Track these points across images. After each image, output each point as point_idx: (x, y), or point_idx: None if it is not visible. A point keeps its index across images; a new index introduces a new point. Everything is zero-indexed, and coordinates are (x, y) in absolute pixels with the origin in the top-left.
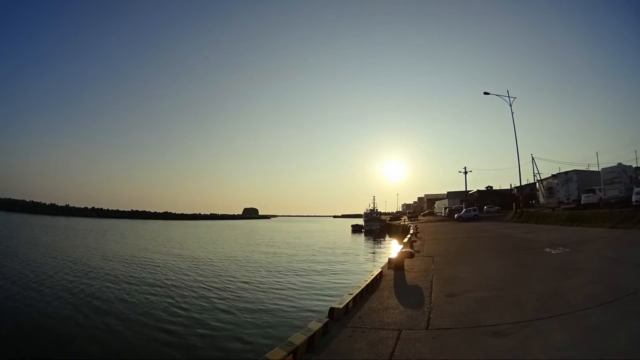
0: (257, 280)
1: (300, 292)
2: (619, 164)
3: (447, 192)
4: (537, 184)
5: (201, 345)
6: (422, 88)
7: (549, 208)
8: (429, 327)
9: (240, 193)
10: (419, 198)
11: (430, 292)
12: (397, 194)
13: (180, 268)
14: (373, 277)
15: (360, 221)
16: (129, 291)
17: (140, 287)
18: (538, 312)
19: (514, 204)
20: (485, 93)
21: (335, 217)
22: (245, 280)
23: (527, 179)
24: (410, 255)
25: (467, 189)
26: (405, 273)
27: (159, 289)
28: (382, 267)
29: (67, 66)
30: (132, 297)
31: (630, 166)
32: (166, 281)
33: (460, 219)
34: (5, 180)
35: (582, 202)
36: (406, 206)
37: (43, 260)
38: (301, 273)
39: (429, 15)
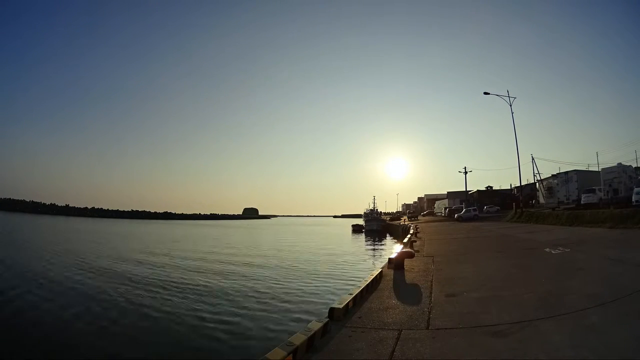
0: (257, 281)
1: (300, 292)
2: (619, 164)
3: (447, 192)
4: (537, 184)
5: (201, 345)
6: (422, 88)
7: (549, 208)
8: (429, 327)
9: (241, 193)
10: (419, 198)
11: (430, 292)
12: (397, 194)
13: (178, 269)
14: (373, 277)
15: (360, 221)
16: (129, 292)
17: (140, 287)
18: (538, 312)
19: (514, 204)
20: (485, 93)
21: (335, 217)
22: (245, 280)
23: (527, 179)
24: (410, 255)
25: (467, 189)
26: (405, 273)
27: (158, 290)
28: (382, 267)
29: (67, 68)
30: (134, 298)
31: (630, 166)
32: (164, 282)
33: (460, 219)
34: (5, 180)
35: (582, 202)
36: (406, 206)
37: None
38: (301, 273)
39: (430, 15)
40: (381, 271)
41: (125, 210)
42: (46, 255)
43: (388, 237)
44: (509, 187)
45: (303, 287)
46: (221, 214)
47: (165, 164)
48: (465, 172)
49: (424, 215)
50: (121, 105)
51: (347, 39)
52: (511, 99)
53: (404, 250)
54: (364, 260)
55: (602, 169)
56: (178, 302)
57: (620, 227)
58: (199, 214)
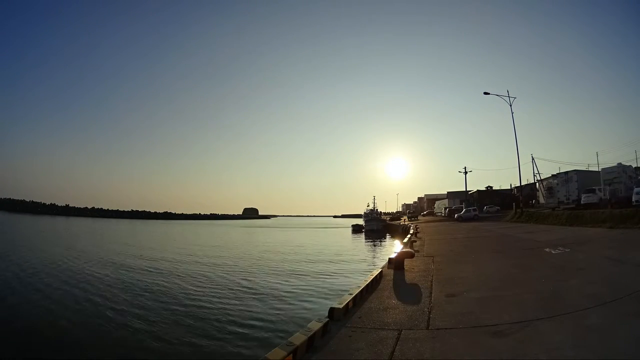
0: (257, 281)
1: (300, 292)
2: (619, 164)
3: (447, 192)
4: (537, 184)
5: (201, 345)
6: (422, 88)
7: (549, 208)
8: (429, 327)
9: (241, 193)
10: (419, 198)
11: (430, 292)
12: (397, 194)
13: (180, 269)
14: (373, 277)
15: (360, 221)
16: (131, 294)
17: (141, 286)
18: (538, 312)
19: (514, 204)
20: (485, 93)
21: (335, 217)
22: (245, 281)
23: (527, 179)
24: (410, 255)
25: (467, 189)
26: (405, 273)
27: (159, 290)
28: (382, 267)
29: (67, 69)
30: (134, 297)
31: (630, 166)
32: (165, 282)
33: (460, 219)
34: (5, 180)
35: (582, 202)
36: (406, 206)
37: None
38: (301, 273)
39: (430, 15)
40: (381, 271)
41: (125, 210)
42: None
43: (388, 237)
44: (509, 187)
45: (302, 288)
46: (221, 214)
47: (165, 164)
48: (465, 172)
49: (424, 215)
50: (121, 105)
51: (347, 39)
52: (511, 99)
53: (404, 250)
54: (364, 260)
55: (602, 169)
56: (177, 301)
57: (620, 227)
58: (199, 214)
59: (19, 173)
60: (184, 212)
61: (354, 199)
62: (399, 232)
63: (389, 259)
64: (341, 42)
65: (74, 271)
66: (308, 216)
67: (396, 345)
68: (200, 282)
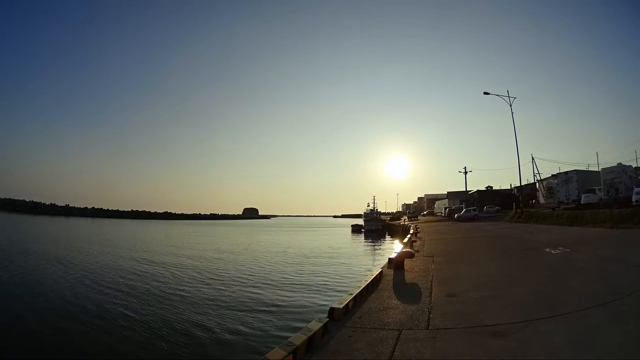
0: (257, 281)
1: (300, 292)
2: (619, 164)
3: (447, 192)
4: (537, 184)
5: (201, 345)
6: (422, 88)
7: (549, 208)
8: (429, 327)
9: (241, 193)
10: (419, 198)
11: (430, 292)
12: (397, 194)
13: (182, 269)
14: (373, 277)
15: (360, 221)
16: (133, 291)
17: (143, 286)
18: (538, 312)
19: (514, 204)
20: (485, 93)
21: (335, 217)
22: (246, 280)
23: (527, 179)
24: (410, 255)
25: (467, 189)
26: (405, 273)
27: (159, 290)
28: (382, 267)
29: (73, 69)
30: (134, 297)
31: (630, 166)
32: (165, 282)
33: (460, 219)
34: (5, 180)
35: (582, 202)
36: (406, 206)
37: None
38: (301, 273)
39: (430, 16)
40: (381, 271)
41: (126, 210)
42: None
43: (388, 237)
44: (509, 187)
45: (302, 288)
46: (221, 214)
47: (165, 164)
48: (465, 172)
49: (424, 215)
50: (122, 106)
51: (348, 40)
52: (511, 99)
53: (404, 250)
54: (364, 260)
55: (602, 169)
56: (177, 301)
57: (620, 227)
58: (199, 214)
59: (19, 173)
60: (184, 212)
61: (354, 199)
62: (399, 232)
63: (389, 259)
64: (342, 43)
65: (72, 272)
66: (308, 216)
67: (396, 345)
68: (200, 283)
